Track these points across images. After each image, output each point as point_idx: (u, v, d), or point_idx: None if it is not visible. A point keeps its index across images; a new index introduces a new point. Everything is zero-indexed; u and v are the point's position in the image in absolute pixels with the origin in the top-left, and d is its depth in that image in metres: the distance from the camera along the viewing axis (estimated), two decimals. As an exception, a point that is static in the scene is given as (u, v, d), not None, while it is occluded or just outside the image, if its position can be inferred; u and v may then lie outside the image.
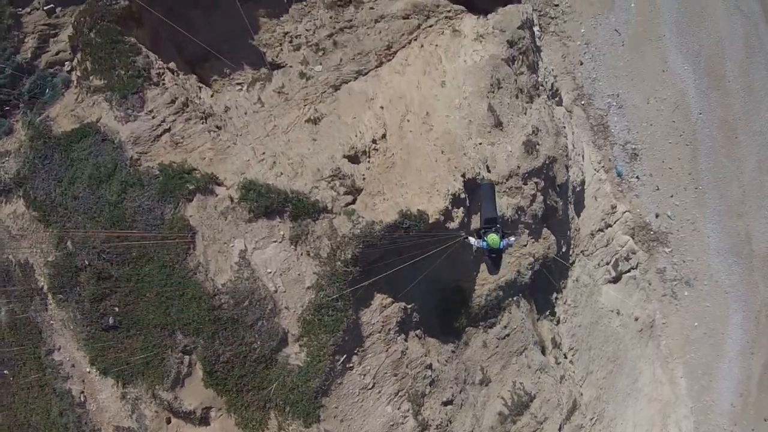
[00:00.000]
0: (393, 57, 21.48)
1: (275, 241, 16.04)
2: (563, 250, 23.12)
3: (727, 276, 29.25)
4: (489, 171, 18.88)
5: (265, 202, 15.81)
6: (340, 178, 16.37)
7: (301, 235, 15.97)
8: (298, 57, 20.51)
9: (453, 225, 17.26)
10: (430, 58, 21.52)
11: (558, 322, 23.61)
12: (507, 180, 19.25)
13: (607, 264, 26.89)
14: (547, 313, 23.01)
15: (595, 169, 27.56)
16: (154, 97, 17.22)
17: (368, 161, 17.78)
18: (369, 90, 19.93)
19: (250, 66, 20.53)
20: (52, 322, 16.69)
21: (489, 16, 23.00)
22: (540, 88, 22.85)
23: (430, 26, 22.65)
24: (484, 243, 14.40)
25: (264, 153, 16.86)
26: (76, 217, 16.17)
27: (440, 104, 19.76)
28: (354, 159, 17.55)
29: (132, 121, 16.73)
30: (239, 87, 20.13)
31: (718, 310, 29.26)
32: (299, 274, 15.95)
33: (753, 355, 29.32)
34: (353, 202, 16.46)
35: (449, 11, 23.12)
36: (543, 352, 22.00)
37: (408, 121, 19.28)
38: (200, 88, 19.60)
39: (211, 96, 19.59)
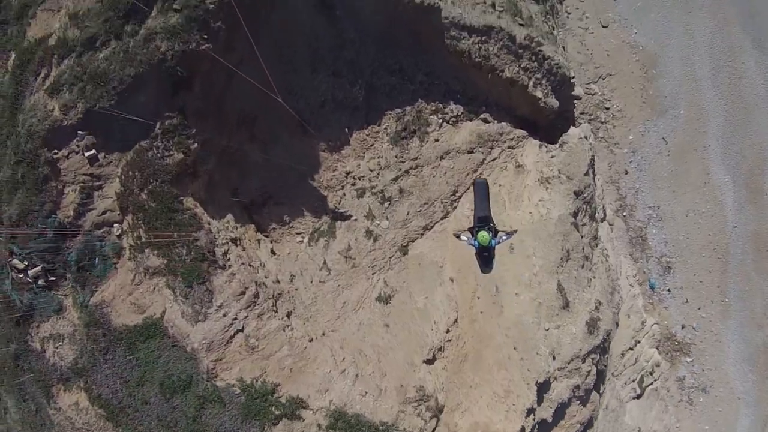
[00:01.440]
0: (458, 202, 20.69)
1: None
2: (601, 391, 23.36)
3: (741, 383, 30.17)
4: (554, 359, 18.63)
5: (354, 433, 15.32)
6: (424, 401, 15.87)
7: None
8: (363, 207, 19.49)
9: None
10: (494, 202, 20.79)
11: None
12: (568, 364, 19.05)
13: (633, 381, 27.35)
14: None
15: (630, 285, 27.56)
16: (222, 287, 16.18)
17: (443, 356, 17.28)
18: (437, 256, 19.19)
19: (311, 213, 19.47)
20: None
21: (553, 150, 22.25)
22: (598, 236, 22.46)
23: (494, 160, 21.83)
24: (476, 241, 14.04)
25: (344, 359, 16.17)
26: (149, 422, 15.38)
27: (509, 275, 19.23)
28: (431, 360, 17.02)
29: (202, 320, 15.74)
30: (300, 238, 19.13)
31: (729, 415, 30.34)
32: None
33: (756, 458, 30.74)
34: (437, 425, 16.06)
35: (512, 138, 22.31)
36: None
37: (478, 298, 18.75)
38: (259, 241, 18.55)
39: (272, 251, 18.59)
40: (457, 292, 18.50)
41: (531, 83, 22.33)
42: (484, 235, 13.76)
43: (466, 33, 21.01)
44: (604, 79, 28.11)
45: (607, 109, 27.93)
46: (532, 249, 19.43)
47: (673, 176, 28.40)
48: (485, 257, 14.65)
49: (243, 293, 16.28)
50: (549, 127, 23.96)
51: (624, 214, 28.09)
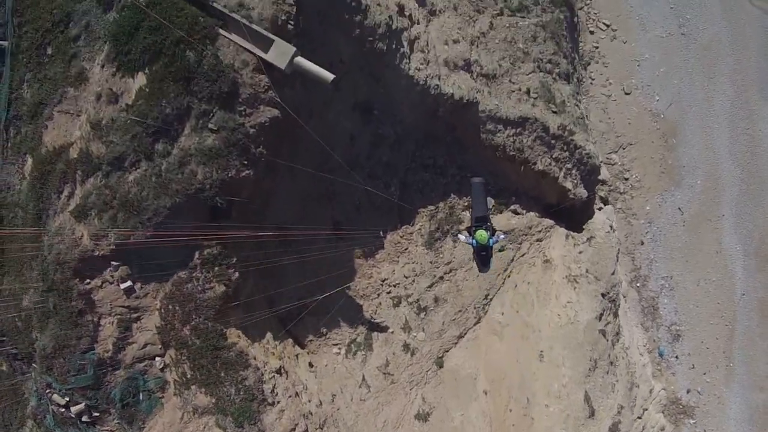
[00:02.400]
0: (489, 306, 20.50)
1: None
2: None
3: (740, 442, 31.06)
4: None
5: None
6: None
7: None
8: (399, 318, 19.15)
9: None
10: (524, 302, 20.76)
11: None
12: (591, 469, 19.24)
13: (641, 449, 27.87)
14: None
15: (640, 354, 27.85)
16: (273, 425, 15.72)
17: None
18: (471, 366, 19.05)
19: (347, 323, 19.04)
20: None
21: (581, 244, 22.17)
22: (620, 331, 22.57)
23: (522, 255, 21.64)
24: (473, 240, 13.96)
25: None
26: None
27: (539, 385, 19.24)
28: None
29: (259, 462, 15.27)
30: (337, 349, 18.75)
31: (726, 472, 31.28)
32: None
33: None
34: None
35: (540, 231, 22.11)
36: None
37: (510, 410, 18.70)
38: (298, 356, 18.12)
39: (309, 364, 18.19)
40: (491, 406, 18.43)
41: (562, 174, 22.03)
42: (482, 234, 13.60)
43: (502, 126, 20.58)
44: (624, 149, 27.90)
45: (627, 179, 27.80)
46: (561, 358, 19.41)
47: (687, 246, 28.56)
48: (483, 256, 14.51)
49: (293, 430, 15.87)
50: (574, 210, 23.76)
51: (638, 284, 28.22)
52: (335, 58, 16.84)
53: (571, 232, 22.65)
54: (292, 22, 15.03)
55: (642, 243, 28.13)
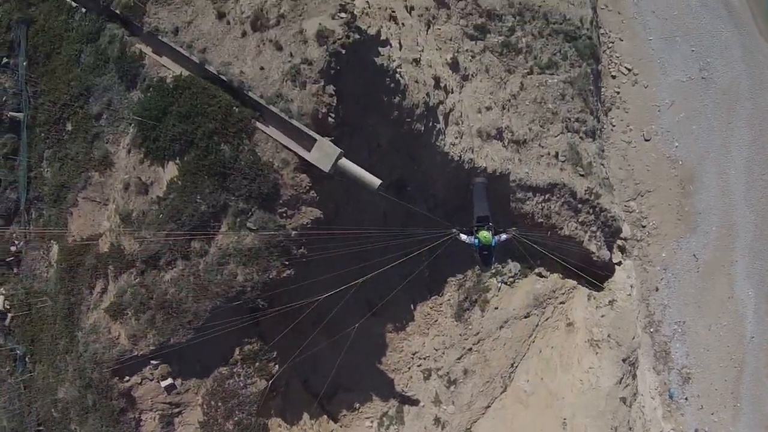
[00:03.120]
0: (514, 374, 20.62)
1: None
2: None
3: (741, 477, 31.80)
4: None
5: None
6: None
7: None
8: (430, 391, 19.19)
9: None
10: (547, 368, 20.90)
11: None
12: None
13: (649, 489, 28.44)
14: None
15: (651, 397, 28.25)
16: None
17: None
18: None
19: (380, 397, 19.04)
20: None
21: (603, 307, 22.31)
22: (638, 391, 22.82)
23: (546, 320, 21.74)
24: (476, 240, 14.07)
25: None
26: None
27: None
28: None
29: None
30: (369, 422, 18.77)
31: (726, 505, 32.06)
32: None
33: None
34: None
35: (563, 293, 22.19)
36: None
37: (535, 486, 18.91)
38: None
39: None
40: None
41: (587, 237, 21.99)
42: (485, 235, 13.69)
43: (531, 193, 20.47)
44: (642, 196, 27.87)
45: (644, 226, 27.82)
46: (583, 427, 19.66)
47: (700, 292, 28.78)
48: (485, 256, 14.53)
49: None
50: (595, 265, 23.78)
51: (651, 330, 28.45)
52: (373, 142, 16.54)
53: (593, 292, 22.76)
54: (332, 115, 14.59)
55: (657, 289, 28.29)
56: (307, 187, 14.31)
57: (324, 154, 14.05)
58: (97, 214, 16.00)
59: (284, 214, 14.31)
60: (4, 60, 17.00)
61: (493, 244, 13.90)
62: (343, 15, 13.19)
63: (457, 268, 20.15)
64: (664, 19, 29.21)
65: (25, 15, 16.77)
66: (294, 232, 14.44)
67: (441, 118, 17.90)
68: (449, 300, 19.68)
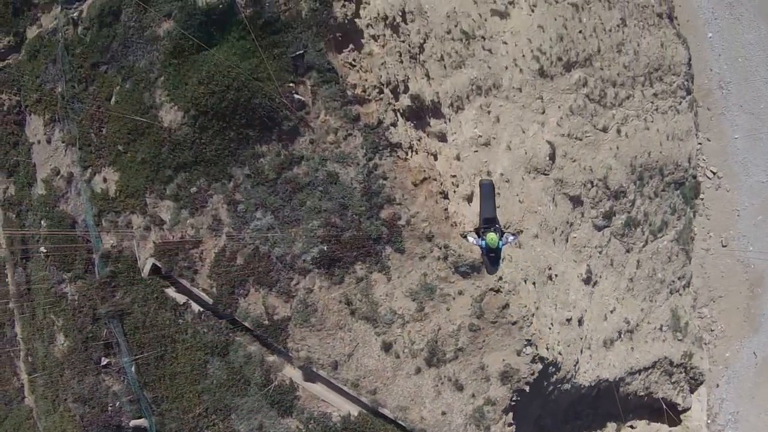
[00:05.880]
0: None
1: None
2: None
3: None
4: None
5: None
6: None
7: None
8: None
9: None
10: None
11: None
12: None
13: None
14: None
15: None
16: None
17: None
18: None
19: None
20: None
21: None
22: None
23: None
24: (483, 242, 14.01)
25: None
26: None
27: None
28: None
29: None
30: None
31: None
32: None
33: None
34: None
35: (649, 440, 22.77)
36: None
37: None
38: None
39: None
40: None
41: (675, 393, 22.16)
42: (492, 237, 13.56)
43: (637, 373, 20.25)
44: (714, 302, 27.82)
45: (712, 330, 28.03)
46: None
47: (755, 385, 29.71)
48: (492, 257, 14.48)
49: None
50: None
51: (708, 421, 29.58)
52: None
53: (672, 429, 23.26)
54: None
55: (717, 386, 29.07)
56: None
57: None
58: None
59: None
60: (104, 360, 15.06)
61: (500, 246, 13.67)
62: (529, 351, 12.15)
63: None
64: (750, 114, 27.68)
65: (115, 307, 14.49)
66: None
67: (579, 355, 17.09)
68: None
